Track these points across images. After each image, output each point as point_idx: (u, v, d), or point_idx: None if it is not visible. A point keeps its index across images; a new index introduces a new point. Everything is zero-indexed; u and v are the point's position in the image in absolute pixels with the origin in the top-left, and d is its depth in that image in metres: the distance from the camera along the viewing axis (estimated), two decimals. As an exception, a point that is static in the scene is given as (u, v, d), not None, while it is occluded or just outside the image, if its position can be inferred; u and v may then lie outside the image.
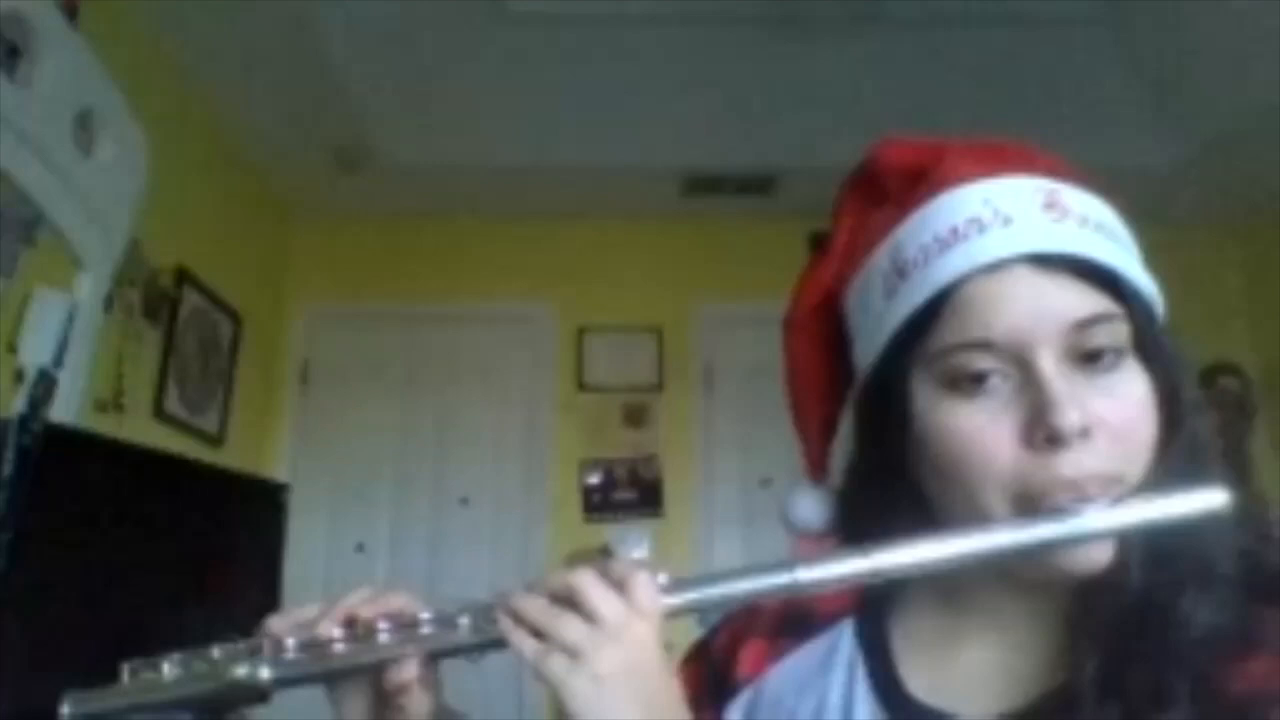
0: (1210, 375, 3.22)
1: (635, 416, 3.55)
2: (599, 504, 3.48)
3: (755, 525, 3.38)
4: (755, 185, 3.46)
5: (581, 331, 3.60)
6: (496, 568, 3.38)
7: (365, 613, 0.56)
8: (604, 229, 3.67)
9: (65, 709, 0.53)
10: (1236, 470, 0.57)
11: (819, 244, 0.69)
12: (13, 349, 1.97)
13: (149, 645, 0.57)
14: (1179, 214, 3.15)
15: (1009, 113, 2.78)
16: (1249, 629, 0.51)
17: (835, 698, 0.62)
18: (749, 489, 3.46)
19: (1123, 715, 0.50)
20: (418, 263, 3.64)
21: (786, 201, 3.47)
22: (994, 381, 0.54)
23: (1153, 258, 0.59)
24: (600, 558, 2.51)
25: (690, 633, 0.75)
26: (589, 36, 3.02)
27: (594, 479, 3.50)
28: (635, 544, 3.40)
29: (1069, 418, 0.51)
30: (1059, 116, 2.67)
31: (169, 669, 0.55)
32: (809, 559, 0.54)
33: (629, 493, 3.49)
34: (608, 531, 3.43)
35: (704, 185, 3.47)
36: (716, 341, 3.62)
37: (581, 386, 3.57)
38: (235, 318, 3.12)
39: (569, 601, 0.52)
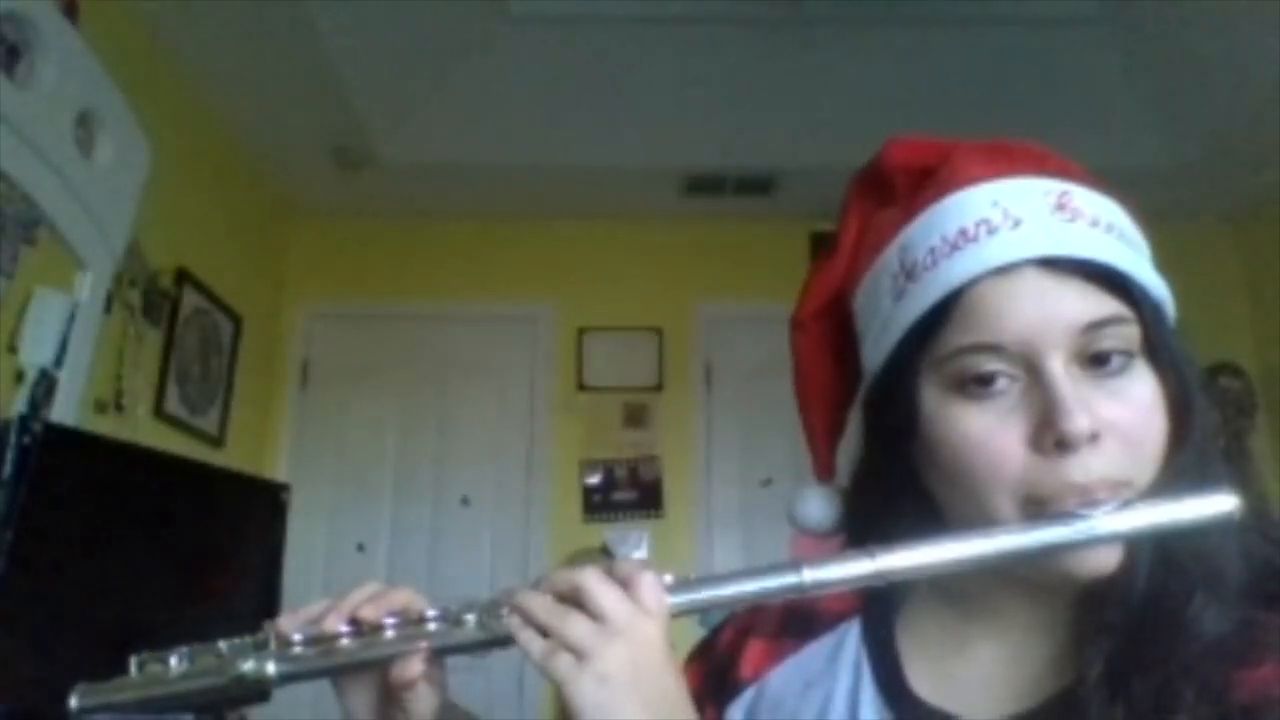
0: (1210, 375, 3.22)
1: (635, 416, 3.55)
2: (599, 504, 3.48)
3: (755, 525, 3.39)
4: (755, 185, 3.46)
5: (581, 331, 3.60)
6: (496, 568, 3.39)
7: (370, 611, 0.56)
8: (604, 229, 3.67)
9: (74, 701, 0.54)
10: (1238, 470, 0.57)
11: (820, 244, 0.69)
12: (13, 349, 1.97)
13: (149, 645, 0.57)
14: (1179, 213, 3.15)
15: (1009, 112, 2.79)
16: (1256, 635, 0.51)
17: (840, 698, 0.61)
18: (749, 489, 3.46)
19: (1128, 719, 0.49)
20: (418, 263, 3.64)
21: (786, 201, 3.47)
22: (1002, 384, 0.54)
23: (1153, 257, 0.59)
24: (601, 557, 2.52)
25: (692, 632, 0.75)
26: (589, 36, 3.02)
27: (594, 479, 3.49)
28: (634, 545, 3.40)
29: (1078, 422, 0.50)
30: (1059, 116, 2.67)
31: (176, 662, 0.55)
32: (815, 560, 0.54)
33: (629, 493, 3.49)
34: (607, 532, 3.43)
35: (704, 185, 3.47)
36: (716, 341, 3.62)
37: (581, 386, 3.57)
38: (235, 318, 3.12)
39: (575, 600, 0.52)
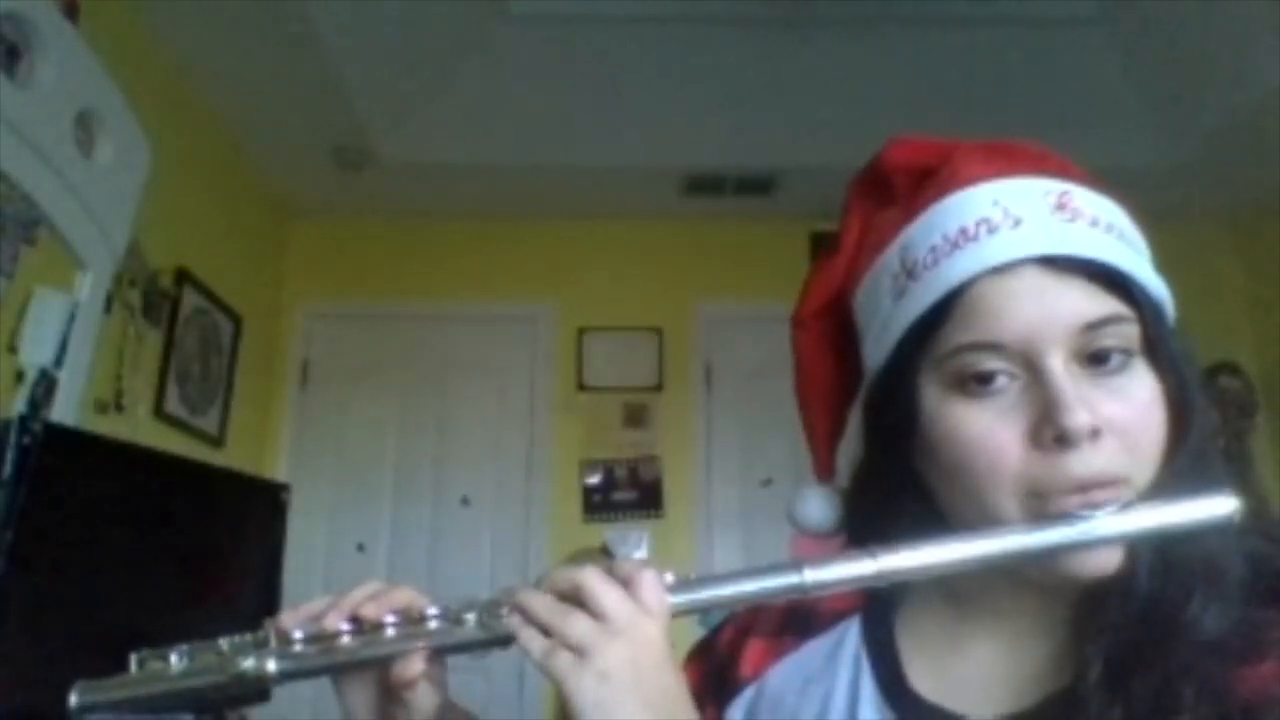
0: (1210, 374, 3.22)
1: (635, 416, 3.54)
2: (599, 504, 3.48)
3: (755, 525, 3.39)
4: (755, 185, 3.46)
5: (581, 331, 3.60)
6: (496, 568, 3.39)
7: (371, 610, 0.56)
8: (604, 229, 3.67)
9: (74, 698, 0.54)
10: (1238, 470, 0.58)
11: (820, 244, 0.69)
12: (13, 349, 1.97)
13: (149, 645, 0.57)
14: (1178, 213, 3.15)
15: (1008, 112, 2.79)
16: (1257, 632, 0.51)
17: (840, 696, 0.62)
18: (749, 489, 3.46)
19: (1127, 719, 0.49)
20: (418, 263, 3.64)
21: (786, 201, 3.47)
22: (1002, 382, 0.54)
23: (1152, 257, 0.59)
24: (601, 557, 2.51)
25: (691, 632, 0.75)
26: (589, 36, 3.02)
27: (594, 479, 3.49)
28: (634, 545, 3.40)
29: (1078, 418, 0.51)
30: (1058, 116, 2.68)
31: (177, 660, 0.55)
32: (816, 560, 0.54)
33: (629, 493, 3.49)
34: (607, 532, 3.43)
35: (704, 185, 3.47)
36: (716, 341, 3.62)
37: (581, 386, 3.57)
38: (235, 318, 3.12)
39: (576, 599, 0.52)
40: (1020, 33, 2.97)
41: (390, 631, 0.55)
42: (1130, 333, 0.54)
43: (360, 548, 3.41)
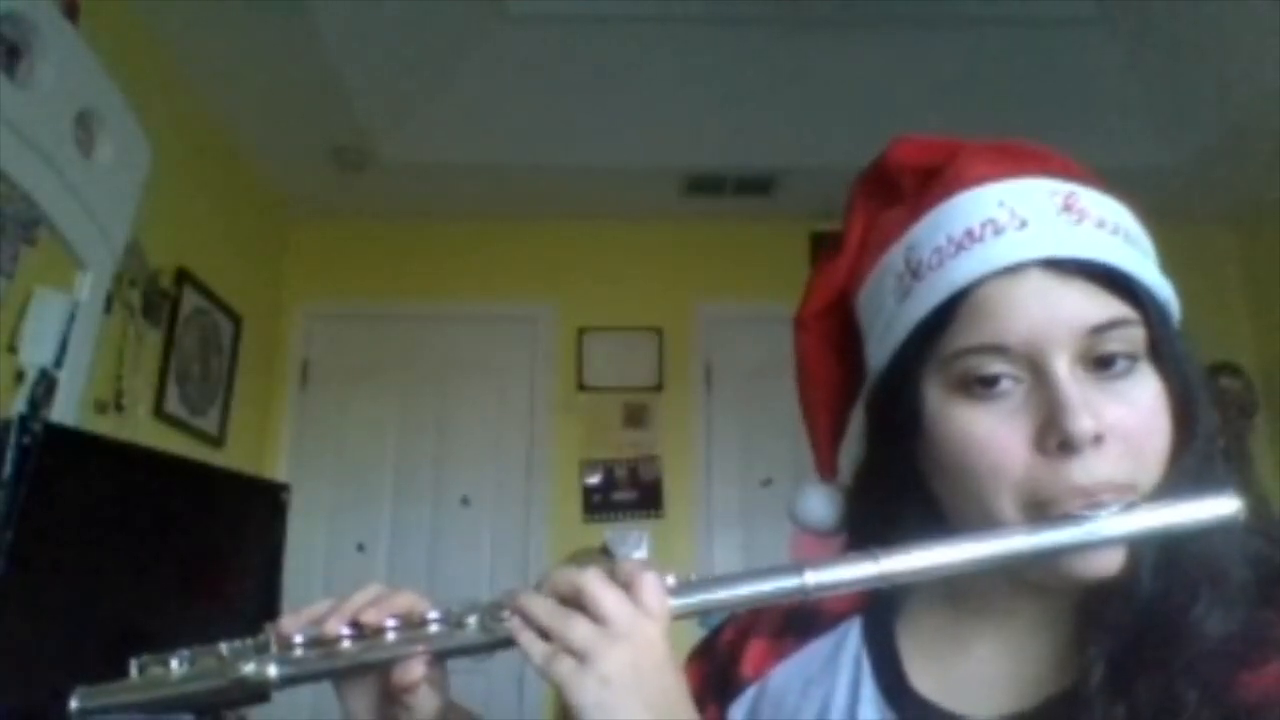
0: (1210, 375, 3.21)
1: (635, 416, 3.54)
2: (599, 504, 3.48)
3: (755, 525, 3.39)
4: (755, 185, 3.46)
5: (581, 331, 3.60)
6: (496, 568, 3.39)
7: (372, 615, 0.56)
8: (604, 229, 3.67)
9: (74, 703, 0.53)
10: (1238, 471, 0.57)
11: (820, 244, 0.68)
12: (13, 349, 1.96)
13: (149, 645, 0.57)
14: (1178, 213, 3.14)
15: (1009, 112, 2.79)
16: (1262, 633, 0.51)
17: (841, 697, 0.61)
18: (749, 489, 3.46)
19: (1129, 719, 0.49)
20: (418, 263, 3.64)
21: (786, 201, 3.47)
22: (1006, 385, 0.53)
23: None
24: (601, 558, 2.51)
25: (691, 633, 0.75)
26: (589, 36, 3.02)
27: (594, 479, 3.49)
28: (634, 545, 3.40)
29: (1082, 424, 0.50)
30: (1059, 116, 2.67)
31: (177, 665, 0.55)
32: (817, 562, 0.54)
33: (629, 493, 3.48)
34: (607, 532, 3.43)
35: (704, 185, 3.47)
36: (716, 341, 3.62)
37: (581, 386, 3.57)
38: (235, 318, 3.12)
39: (576, 602, 0.52)
40: (1020, 33, 2.96)
41: (391, 635, 0.55)
42: (1135, 336, 0.54)
43: (360, 548, 3.41)
